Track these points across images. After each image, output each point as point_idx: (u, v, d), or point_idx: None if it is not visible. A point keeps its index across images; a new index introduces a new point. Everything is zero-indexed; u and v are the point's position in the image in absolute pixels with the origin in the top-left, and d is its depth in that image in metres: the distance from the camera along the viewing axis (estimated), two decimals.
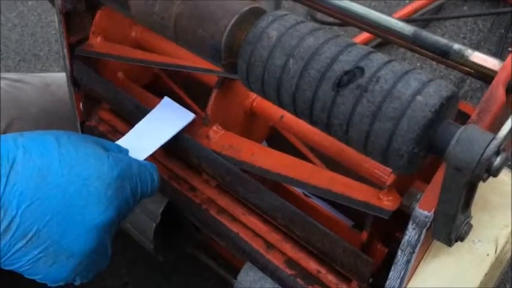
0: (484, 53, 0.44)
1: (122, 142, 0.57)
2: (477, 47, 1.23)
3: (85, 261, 0.49)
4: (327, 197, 0.49)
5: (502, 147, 0.34)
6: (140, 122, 0.59)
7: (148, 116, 0.60)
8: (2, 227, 0.44)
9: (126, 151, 0.56)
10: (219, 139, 0.58)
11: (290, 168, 0.52)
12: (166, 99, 0.61)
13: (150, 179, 0.53)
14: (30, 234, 0.45)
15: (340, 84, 0.37)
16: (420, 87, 0.36)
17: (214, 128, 0.58)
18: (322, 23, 1.36)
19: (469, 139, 0.34)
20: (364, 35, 1.25)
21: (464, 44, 0.46)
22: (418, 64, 1.26)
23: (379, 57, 0.38)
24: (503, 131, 0.35)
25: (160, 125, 0.59)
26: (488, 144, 0.33)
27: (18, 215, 0.45)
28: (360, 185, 0.48)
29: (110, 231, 0.50)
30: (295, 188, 0.63)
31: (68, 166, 0.48)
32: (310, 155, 0.62)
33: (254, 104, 0.61)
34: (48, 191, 0.46)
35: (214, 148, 0.57)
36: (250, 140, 0.58)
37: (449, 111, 0.38)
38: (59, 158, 0.48)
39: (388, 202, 0.46)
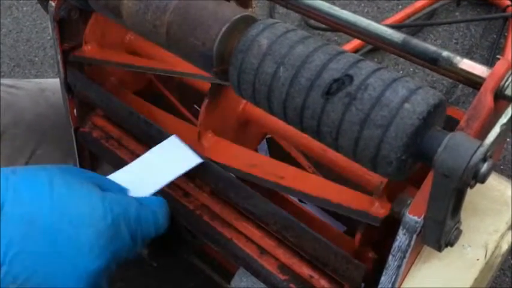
0: (474, 59, 0.45)
1: (123, 173, 0.55)
2: (469, 52, 1.24)
3: None
4: (318, 204, 0.49)
5: (488, 153, 0.35)
6: (144, 155, 0.57)
7: (153, 150, 0.57)
8: None
9: (125, 190, 0.53)
10: (212, 146, 0.58)
11: (281, 175, 0.52)
12: (174, 137, 0.58)
13: (153, 220, 0.51)
14: (19, 281, 0.44)
15: (329, 92, 0.38)
16: (408, 95, 0.37)
17: (207, 135, 0.58)
18: (316, 28, 1.37)
19: (456, 146, 0.34)
20: (357, 41, 1.26)
21: (456, 49, 0.47)
22: (411, 69, 1.27)
23: (368, 65, 0.39)
24: (490, 137, 0.36)
25: (165, 163, 0.56)
26: (475, 151, 0.34)
27: (6, 263, 0.43)
28: (351, 192, 0.48)
29: (105, 276, 0.49)
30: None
31: (59, 212, 0.46)
32: (304, 162, 0.63)
33: (246, 111, 0.62)
34: (37, 238, 0.44)
35: (207, 155, 0.57)
36: (243, 147, 0.58)
37: (437, 119, 0.38)
38: (50, 202, 0.46)
39: (377, 209, 0.46)
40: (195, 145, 0.58)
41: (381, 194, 0.46)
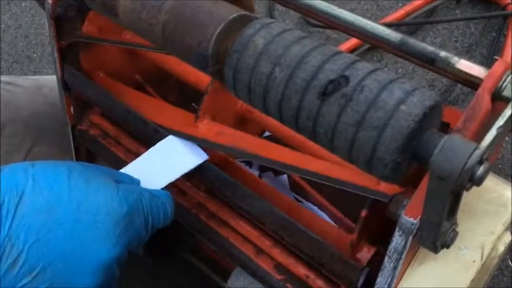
0: (474, 57, 0.45)
1: (131, 168, 0.56)
2: (469, 51, 1.23)
3: None
4: (326, 182, 0.49)
5: (485, 156, 0.34)
6: (150, 150, 0.58)
7: (155, 148, 0.58)
8: (9, 262, 0.43)
9: (137, 181, 0.54)
10: (207, 127, 0.58)
11: (288, 157, 0.52)
12: (172, 137, 0.59)
13: (162, 211, 0.52)
14: (36, 271, 0.44)
15: (325, 93, 0.38)
16: (404, 97, 0.36)
17: (205, 120, 0.58)
18: (315, 26, 1.36)
19: (452, 149, 0.34)
20: (356, 39, 1.26)
21: (456, 48, 0.46)
22: (411, 67, 1.27)
23: (364, 66, 0.39)
24: (487, 140, 0.36)
25: (172, 158, 0.57)
26: (471, 154, 0.34)
27: (24, 251, 0.44)
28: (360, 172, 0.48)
29: (118, 264, 0.49)
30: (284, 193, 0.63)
31: (77, 201, 0.46)
32: None
33: (245, 108, 0.62)
34: (55, 226, 0.45)
35: (200, 135, 0.57)
36: (236, 130, 0.58)
37: (433, 121, 0.38)
38: (68, 192, 0.47)
39: (386, 188, 0.46)
40: (190, 129, 0.58)
41: None
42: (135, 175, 0.55)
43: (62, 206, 0.46)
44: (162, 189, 0.55)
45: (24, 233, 0.44)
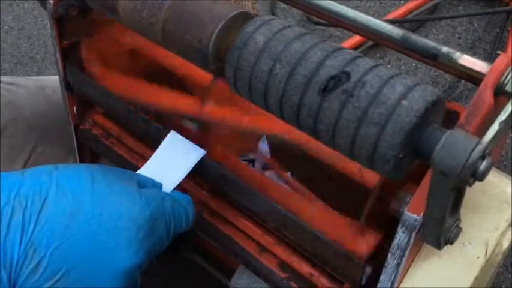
0: (477, 53, 0.45)
1: (147, 169, 0.56)
2: (472, 47, 1.23)
3: None
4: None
5: (487, 151, 0.34)
6: (159, 149, 0.57)
7: (159, 150, 0.58)
8: (31, 266, 0.43)
9: (160, 185, 0.53)
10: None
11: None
12: (173, 133, 0.58)
13: (184, 215, 0.51)
14: (58, 276, 0.44)
15: (326, 90, 0.38)
16: (406, 92, 0.36)
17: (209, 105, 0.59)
18: (318, 23, 1.36)
19: (454, 144, 0.34)
20: (359, 36, 1.25)
21: (459, 44, 0.46)
22: (414, 64, 1.26)
23: (365, 62, 0.38)
24: (489, 135, 0.35)
25: (173, 160, 0.56)
26: (474, 149, 0.34)
27: (47, 255, 0.43)
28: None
29: (139, 270, 0.49)
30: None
31: (99, 206, 0.46)
32: None
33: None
34: (78, 231, 0.45)
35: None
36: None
37: (435, 116, 0.38)
38: (91, 196, 0.46)
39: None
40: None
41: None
42: (153, 177, 0.54)
43: (84, 211, 0.45)
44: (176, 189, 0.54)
45: (47, 238, 0.44)
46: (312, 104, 0.38)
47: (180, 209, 0.51)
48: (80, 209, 0.45)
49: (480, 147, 0.34)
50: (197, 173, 0.58)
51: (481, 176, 0.34)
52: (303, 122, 0.40)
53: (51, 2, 0.62)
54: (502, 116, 0.37)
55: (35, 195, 0.44)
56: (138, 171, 0.55)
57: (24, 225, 0.43)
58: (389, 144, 0.36)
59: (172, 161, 0.56)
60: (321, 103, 0.38)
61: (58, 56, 0.66)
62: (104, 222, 0.46)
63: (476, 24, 1.31)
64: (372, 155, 0.37)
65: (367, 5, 1.43)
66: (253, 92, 0.42)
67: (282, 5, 1.44)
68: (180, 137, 0.57)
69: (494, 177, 0.49)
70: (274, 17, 0.44)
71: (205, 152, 0.56)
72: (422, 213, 0.40)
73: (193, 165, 0.56)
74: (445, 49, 0.45)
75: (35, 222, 0.44)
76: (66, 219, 0.45)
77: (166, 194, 0.52)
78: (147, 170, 0.56)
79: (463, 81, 1.18)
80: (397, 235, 0.42)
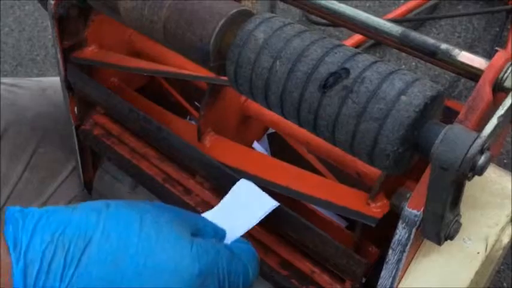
0: (477, 53, 0.45)
1: (213, 214, 0.51)
2: (472, 46, 1.23)
3: None
4: (313, 204, 0.49)
5: (486, 145, 0.35)
6: (229, 194, 0.53)
7: (230, 194, 0.54)
8: None
9: (221, 236, 0.48)
10: (213, 145, 0.58)
11: (274, 173, 0.52)
12: (244, 181, 0.54)
13: (242, 275, 0.46)
14: None
15: (326, 86, 0.38)
16: (405, 87, 0.36)
17: (208, 134, 0.58)
18: (317, 23, 1.37)
19: (453, 138, 0.34)
20: (359, 36, 1.26)
21: (458, 43, 0.46)
22: (414, 63, 1.26)
23: (365, 58, 0.39)
24: (488, 129, 0.36)
25: (242, 207, 0.52)
26: (472, 143, 0.34)
27: None
28: (348, 190, 0.48)
29: None
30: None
31: (144, 255, 0.42)
32: (309, 156, 0.63)
33: (246, 106, 0.62)
34: (118, 280, 0.42)
35: (209, 154, 0.57)
36: (239, 144, 0.58)
37: (435, 111, 0.38)
38: (137, 243, 0.42)
39: (375, 209, 0.46)
40: (195, 144, 0.58)
41: (378, 193, 0.46)
42: (218, 223, 0.50)
43: (128, 258, 0.42)
44: (242, 238, 0.49)
45: (85, 284, 0.41)
46: (312, 100, 0.39)
47: (238, 267, 0.46)
48: (123, 255, 0.42)
49: (479, 141, 0.34)
50: (198, 171, 0.58)
51: (480, 170, 0.34)
52: (304, 118, 0.40)
53: (52, 2, 0.62)
54: (501, 111, 0.37)
55: (79, 237, 0.42)
56: (203, 215, 0.51)
57: (65, 269, 0.41)
58: (389, 139, 0.36)
59: (241, 208, 0.52)
60: (321, 99, 0.38)
61: (59, 56, 0.66)
62: (147, 273, 0.42)
63: (475, 24, 1.31)
64: (372, 150, 0.37)
65: (367, 4, 1.43)
66: (254, 89, 0.43)
67: (282, 6, 1.45)
68: (252, 185, 0.54)
69: (494, 174, 0.49)
70: (274, 14, 0.44)
71: (279, 204, 0.52)
72: (422, 209, 0.41)
73: (264, 216, 0.51)
74: (444, 46, 0.46)
75: (76, 266, 0.41)
76: (108, 266, 0.42)
77: (225, 246, 0.47)
78: (212, 215, 0.51)
79: (462, 80, 1.19)
80: (397, 231, 0.43)
